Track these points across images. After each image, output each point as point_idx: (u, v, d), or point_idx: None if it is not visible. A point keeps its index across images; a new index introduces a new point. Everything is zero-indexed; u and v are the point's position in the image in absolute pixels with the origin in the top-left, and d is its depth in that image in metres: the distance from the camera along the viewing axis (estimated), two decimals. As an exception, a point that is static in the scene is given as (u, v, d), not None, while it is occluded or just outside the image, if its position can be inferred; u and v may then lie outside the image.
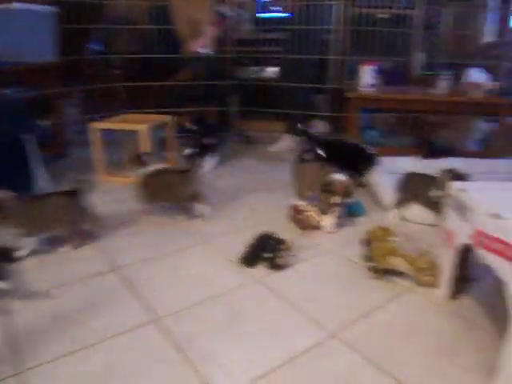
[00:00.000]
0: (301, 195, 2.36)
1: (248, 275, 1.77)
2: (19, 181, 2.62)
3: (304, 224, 2.13)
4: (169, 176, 2.28)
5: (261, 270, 1.80)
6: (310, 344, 1.37)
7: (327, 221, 2.14)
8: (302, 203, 2.18)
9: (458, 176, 1.96)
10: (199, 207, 2.32)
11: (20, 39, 3.05)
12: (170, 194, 2.24)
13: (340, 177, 2.12)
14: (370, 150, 2.77)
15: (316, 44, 4.00)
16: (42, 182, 2.78)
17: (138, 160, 2.34)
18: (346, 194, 2.09)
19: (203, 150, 3.23)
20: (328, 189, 2.09)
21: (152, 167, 2.30)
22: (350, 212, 2.29)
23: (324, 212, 2.15)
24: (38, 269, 1.83)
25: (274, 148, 3.77)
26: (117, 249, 2.01)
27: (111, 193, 2.72)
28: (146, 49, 3.95)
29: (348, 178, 2.13)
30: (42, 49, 3.26)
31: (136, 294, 1.66)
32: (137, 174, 2.30)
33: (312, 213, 2.14)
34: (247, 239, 1.93)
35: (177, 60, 3.81)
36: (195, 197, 2.29)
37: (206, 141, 3.27)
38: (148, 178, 2.27)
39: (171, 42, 3.85)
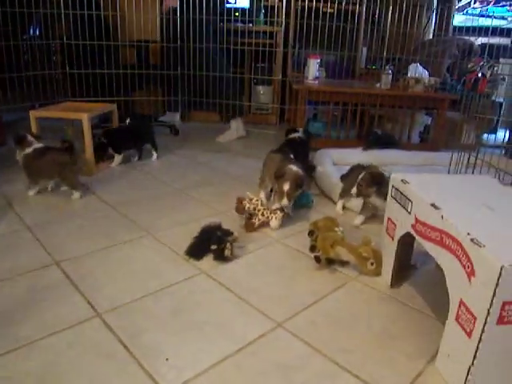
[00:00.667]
0: (261, 185, 2.40)
1: (194, 268, 1.76)
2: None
3: (250, 227, 2.09)
4: (50, 154, 2.35)
5: (208, 262, 1.79)
6: (257, 334, 1.39)
7: (274, 221, 2.11)
8: (249, 199, 2.14)
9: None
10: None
11: None
12: (54, 172, 2.35)
13: (294, 167, 2.15)
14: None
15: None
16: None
17: (24, 141, 2.40)
18: (297, 183, 2.11)
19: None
20: (280, 176, 2.11)
21: (32, 147, 2.38)
22: (299, 203, 2.32)
23: (277, 200, 2.15)
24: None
25: (221, 139, 3.76)
26: (58, 240, 1.93)
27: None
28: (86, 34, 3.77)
29: (301, 169, 2.15)
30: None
31: (77, 288, 1.60)
32: (20, 155, 2.39)
33: (260, 211, 2.10)
34: (193, 231, 1.91)
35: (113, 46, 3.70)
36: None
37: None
38: (29, 157, 2.37)
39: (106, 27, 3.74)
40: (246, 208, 2.10)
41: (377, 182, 2.07)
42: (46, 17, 4.11)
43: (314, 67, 3.58)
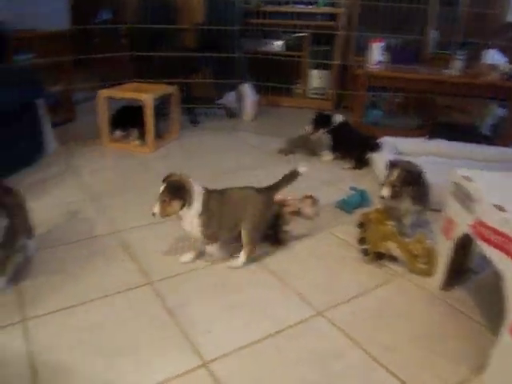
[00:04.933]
0: None
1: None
2: (31, 144, 2.69)
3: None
4: None
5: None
6: (297, 320, 1.41)
7: (307, 209, 2.06)
8: None
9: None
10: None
11: (35, 6, 3.03)
12: None
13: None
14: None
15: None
16: (50, 144, 2.83)
17: None
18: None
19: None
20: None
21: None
22: (354, 203, 2.19)
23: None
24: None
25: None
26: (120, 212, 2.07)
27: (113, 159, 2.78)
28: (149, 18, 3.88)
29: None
30: (56, 17, 3.24)
31: (132, 256, 1.72)
32: None
33: (289, 202, 2.06)
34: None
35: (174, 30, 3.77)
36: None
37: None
38: None
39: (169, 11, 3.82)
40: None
41: (413, 181, 1.83)
42: (116, 2, 4.29)
43: (376, 51, 3.44)
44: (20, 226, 1.59)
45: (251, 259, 1.70)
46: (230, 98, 3.86)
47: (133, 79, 3.54)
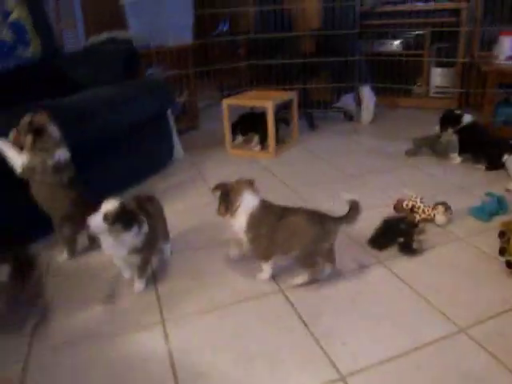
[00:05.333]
0: None
1: (371, 257, 1.78)
2: (164, 149, 2.96)
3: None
4: None
5: (384, 253, 1.79)
6: (437, 336, 1.34)
7: (440, 217, 1.96)
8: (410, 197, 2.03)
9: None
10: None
11: (166, 24, 3.34)
12: None
13: None
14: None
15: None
16: (178, 151, 3.09)
17: None
18: None
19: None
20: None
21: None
22: (494, 210, 2.04)
23: None
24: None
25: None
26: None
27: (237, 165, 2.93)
28: (264, 28, 4.02)
29: None
30: (182, 32, 3.53)
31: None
32: None
33: (420, 208, 1.98)
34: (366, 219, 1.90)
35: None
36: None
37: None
38: None
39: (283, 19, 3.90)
40: (405, 206, 2.01)
41: None
42: (232, 13, 4.51)
43: (507, 45, 3.16)
44: (159, 231, 1.72)
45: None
46: (347, 101, 3.84)
47: (251, 86, 3.71)
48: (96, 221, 1.42)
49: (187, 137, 3.53)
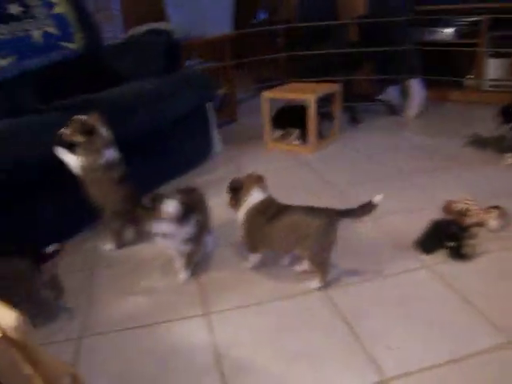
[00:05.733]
0: None
1: (416, 260, 1.69)
2: (203, 144, 2.93)
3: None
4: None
5: (432, 257, 1.69)
6: (485, 346, 1.25)
7: (493, 222, 1.82)
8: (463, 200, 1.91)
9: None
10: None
11: (206, 14, 3.29)
12: None
13: None
14: None
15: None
16: (217, 145, 3.04)
17: None
18: None
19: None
20: None
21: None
22: None
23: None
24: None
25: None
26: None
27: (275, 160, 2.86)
28: (306, 16, 3.86)
29: None
30: (221, 22, 3.47)
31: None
32: None
33: (472, 212, 1.85)
34: (414, 220, 1.85)
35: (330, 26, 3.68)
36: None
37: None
38: None
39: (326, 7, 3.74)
40: (455, 208, 1.88)
41: None
42: (272, 1, 4.39)
43: None
44: (204, 222, 1.73)
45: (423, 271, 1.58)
46: (392, 94, 3.65)
47: (290, 78, 3.60)
48: (163, 226, 1.53)
49: (225, 130, 3.48)
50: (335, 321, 1.41)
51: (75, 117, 1.81)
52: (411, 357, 1.24)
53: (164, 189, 2.37)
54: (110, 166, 1.84)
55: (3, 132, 1.85)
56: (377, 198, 1.48)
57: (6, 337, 0.74)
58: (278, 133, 3.18)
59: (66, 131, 1.80)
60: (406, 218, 1.98)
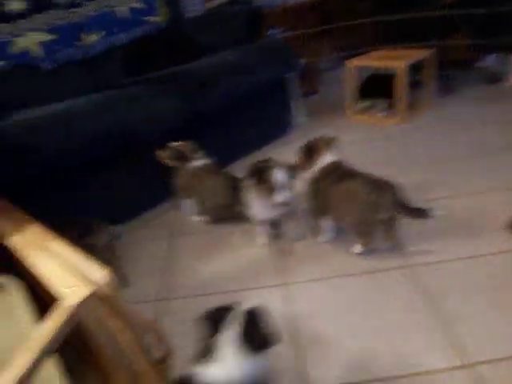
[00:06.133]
0: None
1: (510, 241, 1.55)
2: (285, 115, 2.88)
3: None
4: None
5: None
6: None
7: None
8: None
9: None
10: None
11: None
12: None
13: None
14: None
15: None
16: (300, 117, 2.97)
17: None
18: None
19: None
20: None
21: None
22: None
23: None
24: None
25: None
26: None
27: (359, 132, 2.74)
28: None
29: None
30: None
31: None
32: None
33: None
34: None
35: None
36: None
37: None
38: None
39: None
40: None
41: None
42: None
43: None
44: None
45: None
46: (492, 60, 3.30)
47: (377, 46, 3.37)
48: (281, 175, 1.52)
49: (307, 101, 3.38)
50: (418, 299, 1.35)
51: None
52: (497, 344, 1.16)
53: (242, 163, 2.40)
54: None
55: (88, 107, 1.92)
56: (437, 212, 1.45)
57: (98, 291, 0.76)
58: (364, 104, 3.02)
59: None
60: (500, 198, 1.82)
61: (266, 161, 1.60)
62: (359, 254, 1.58)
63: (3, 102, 2.17)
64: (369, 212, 1.46)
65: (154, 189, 2.17)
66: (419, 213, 1.46)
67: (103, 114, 1.91)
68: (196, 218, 2.03)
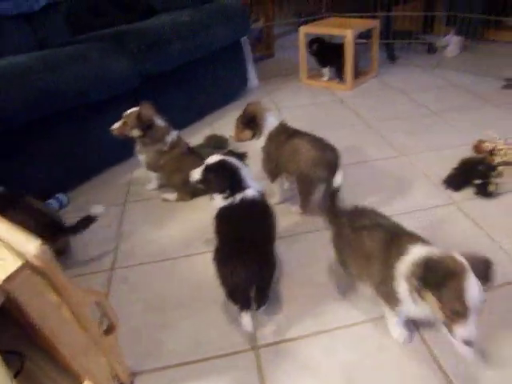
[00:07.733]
0: None
1: (446, 197, 1.74)
2: (239, 78, 2.95)
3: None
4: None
5: (459, 194, 1.75)
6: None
7: None
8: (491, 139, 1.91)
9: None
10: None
11: None
12: None
13: None
14: None
15: None
16: (253, 79, 3.08)
17: None
18: None
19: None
20: None
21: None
22: None
23: None
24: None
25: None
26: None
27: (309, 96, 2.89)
28: None
29: None
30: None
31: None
32: None
33: (502, 151, 1.85)
34: (446, 159, 1.88)
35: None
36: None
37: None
38: None
39: None
40: (486, 147, 1.90)
41: None
42: None
43: None
44: None
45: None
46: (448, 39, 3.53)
47: (332, 13, 3.50)
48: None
49: (262, 65, 3.49)
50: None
51: (128, 112, 1.77)
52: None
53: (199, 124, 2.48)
54: (175, 145, 1.84)
55: (32, 65, 1.81)
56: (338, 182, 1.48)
57: (29, 264, 0.71)
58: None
59: (119, 124, 1.77)
60: (436, 156, 2.02)
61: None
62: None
63: None
64: (309, 168, 1.55)
65: (104, 151, 2.10)
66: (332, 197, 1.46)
67: (47, 72, 1.80)
68: (150, 187, 1.99)
